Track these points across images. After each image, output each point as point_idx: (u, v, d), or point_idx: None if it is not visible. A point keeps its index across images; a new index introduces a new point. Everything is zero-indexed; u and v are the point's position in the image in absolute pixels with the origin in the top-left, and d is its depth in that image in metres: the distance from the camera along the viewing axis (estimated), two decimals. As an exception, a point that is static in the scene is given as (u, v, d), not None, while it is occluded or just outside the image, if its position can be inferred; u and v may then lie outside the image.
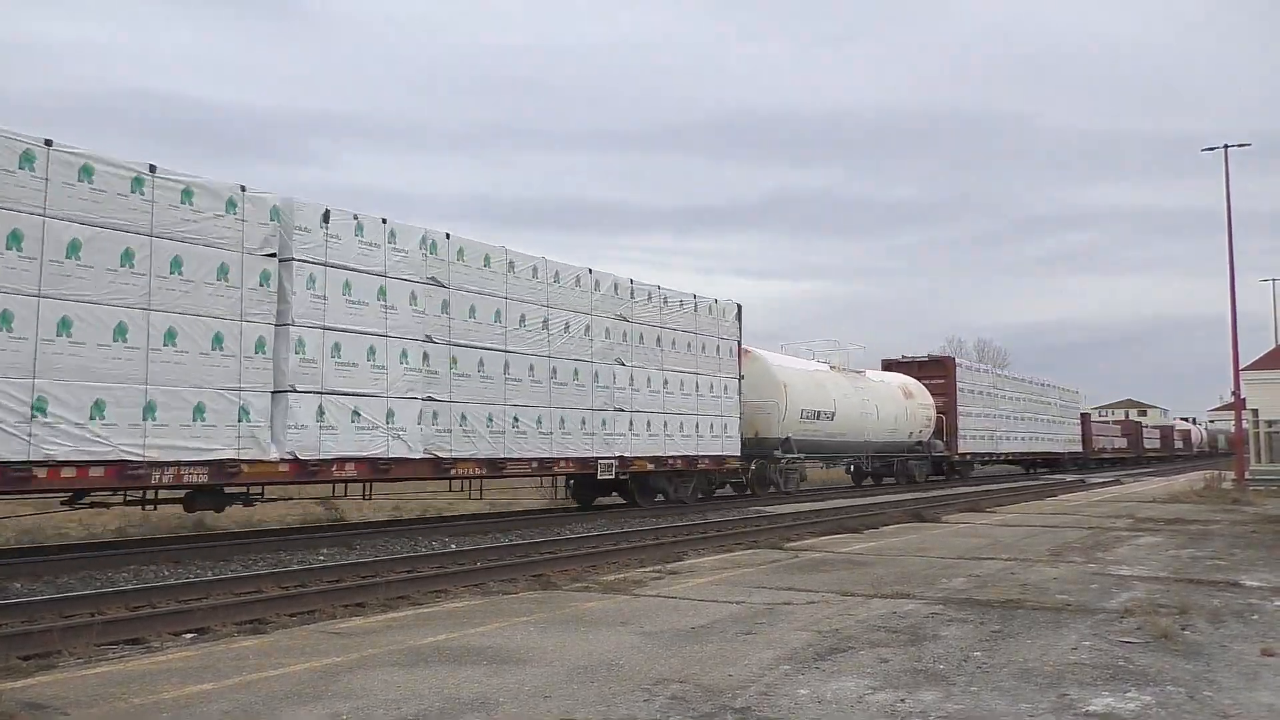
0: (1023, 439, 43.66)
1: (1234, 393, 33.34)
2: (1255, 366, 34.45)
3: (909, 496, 26.13)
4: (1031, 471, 48.34)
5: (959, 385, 36.66)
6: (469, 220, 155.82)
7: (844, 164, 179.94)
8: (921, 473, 34.40)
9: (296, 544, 13.16)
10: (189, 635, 7.57)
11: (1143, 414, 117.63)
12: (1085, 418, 55.42)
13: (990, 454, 40.30)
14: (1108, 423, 72.66)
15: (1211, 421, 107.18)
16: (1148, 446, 72.55)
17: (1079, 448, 52.79)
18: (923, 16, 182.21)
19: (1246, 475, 30.16)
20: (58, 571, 10.35)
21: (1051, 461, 49.47)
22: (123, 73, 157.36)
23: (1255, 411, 33.87)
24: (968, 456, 37.72)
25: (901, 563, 10.93)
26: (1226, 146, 30.83)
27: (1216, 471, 31.69)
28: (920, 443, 34.13)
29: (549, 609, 7.85)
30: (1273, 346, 41.38)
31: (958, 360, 38.62)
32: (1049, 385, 49.96)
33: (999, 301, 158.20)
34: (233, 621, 7.97)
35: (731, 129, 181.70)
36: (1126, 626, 7.04)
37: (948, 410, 35.65)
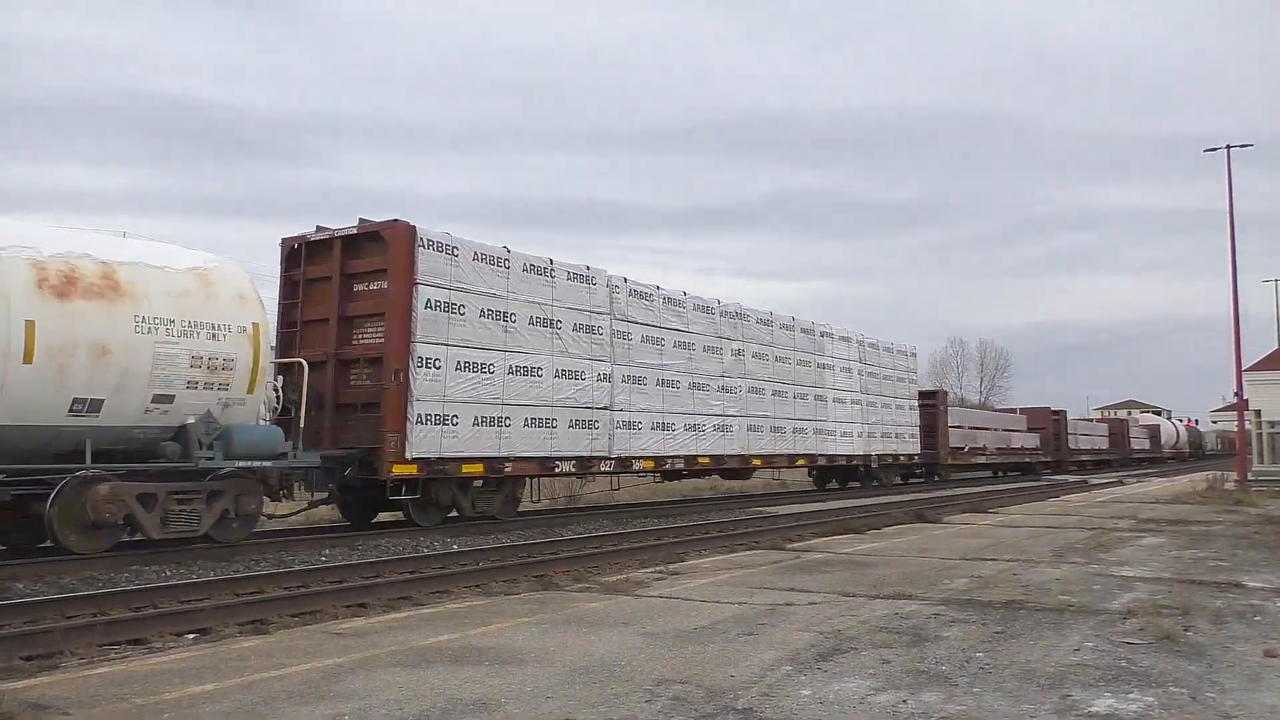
0: (727, 430, 22.16)
1: (1236, 394, 33.32)
2: (1258, 368, 34.50)
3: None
4: (829, 486, 30.04)
5: (425, 294, 15.19)
6: (469, 220, 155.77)
7: (846, 164, 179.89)
8: (192, 520, 11.79)
9: (300, 545, 13.19)
10: (191, 636, 7.57)
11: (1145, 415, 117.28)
12: (938, 397, 36.58)
13: (573, 460, 17.80)
14: (1012, 412, 50.28)
15: (1214, 422, 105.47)
16: (1078, 447, 52.05)
17: (914, 448, 32.41)
18: (926, 18, 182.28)
19: (1249, 476, 30.22)
20: (60, 572, 10.37)
21: (848, 471, 29.85)
22: (128, 73, 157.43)
23: (1258, 412, 33.93)
24: (447, 471, 15.35)
25: (903, 563, 10.93)
26: (1229, 147, 30.82)
27: (1219, 473, 31.71)
28: (181, 428, 11.95)
29: (551, 609, 7.85)
30: (1276, 347, 41.36)
31: (424, 233, 15.34)
32: (829, 335, 27.54)
33: (1001, 302, 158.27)
34: (235, 622, 7.97)
35: (733, 129, 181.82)
36: (1129, 627, 7.04)
37: (388, 351, 14.93)
